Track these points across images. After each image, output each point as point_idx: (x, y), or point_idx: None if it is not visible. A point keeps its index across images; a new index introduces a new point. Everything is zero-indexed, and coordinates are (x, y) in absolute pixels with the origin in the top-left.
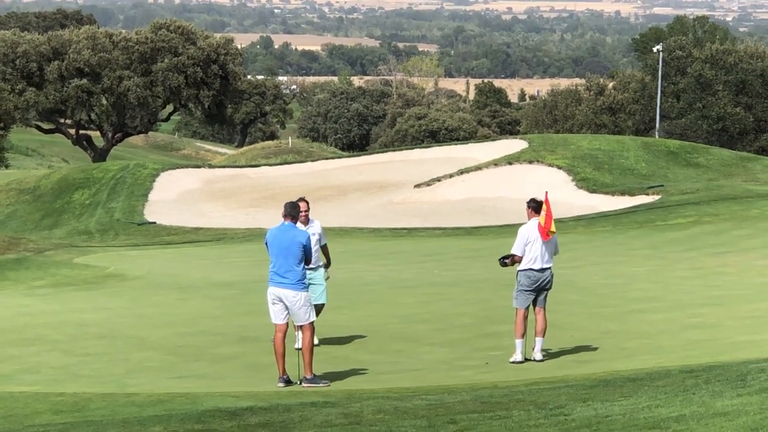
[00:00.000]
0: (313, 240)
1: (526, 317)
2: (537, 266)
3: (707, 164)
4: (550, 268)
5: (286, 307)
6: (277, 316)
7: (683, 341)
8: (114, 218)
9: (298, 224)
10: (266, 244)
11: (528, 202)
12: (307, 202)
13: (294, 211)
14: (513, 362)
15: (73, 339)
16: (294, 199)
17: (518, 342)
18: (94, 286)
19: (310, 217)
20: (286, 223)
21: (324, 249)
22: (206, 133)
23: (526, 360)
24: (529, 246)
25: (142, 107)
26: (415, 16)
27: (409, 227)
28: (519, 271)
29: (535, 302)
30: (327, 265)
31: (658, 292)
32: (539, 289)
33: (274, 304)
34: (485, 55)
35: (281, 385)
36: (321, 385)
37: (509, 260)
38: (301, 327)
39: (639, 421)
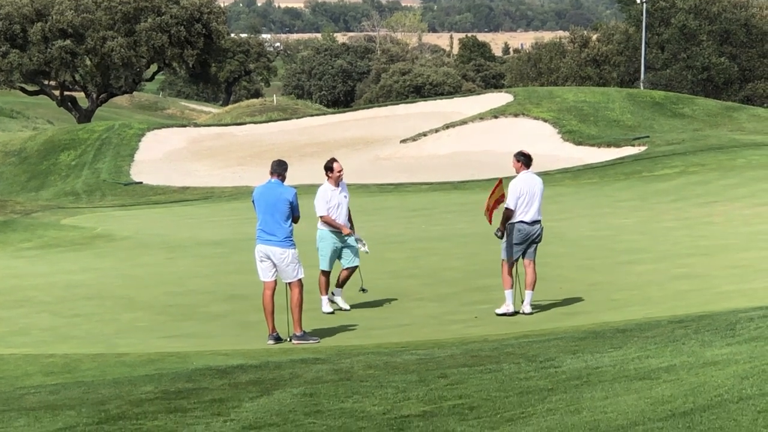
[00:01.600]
0: (345, 202)
1: (512, 268)
2: (528, 219)
3: (693, 115)
4: (540, 221)
5: (274, 265)
6: (265, 274)
7: (672, 292)
8: (100, 179)
9: (330, 183)
10: (253, 201)
11: (516, 155)
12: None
13: (280, 168)
14: (503, 314)
15: (62, 300)
16: (280, 157)
17: (508, 293)
18: (81, 247)
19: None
20: (273, 180)
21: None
22: (191, 93)
23: (516, 313)
24: (522, 199)
25: (126, 67)
26: None
27: (396, 182)
28: (509, 223)
29: (524, 255)
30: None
31: (646, 243)
32: (529, 241)
33: (261, 261)
34: (468, 10)
35: (271, 342)
36: (311, 341)
37: (501, 230)
38: (289, 284)
39: (629, 372)
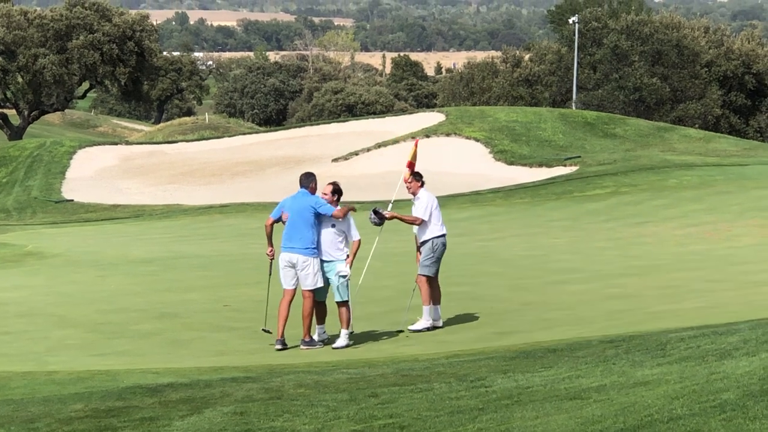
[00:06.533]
0: (332, 231)
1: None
2: (445, 231)
3: (624, 135)
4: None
5: (296, 273)
6: (287, 281)
7: (603, 311)
8: (31, 196)
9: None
10: (281, 208)
11: (414, 175)
12: (335, 185)
13: (307, 180)
14: (425, 329)
15: None
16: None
17: (426, 309)
18: (12, 265)
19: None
20: (301, 190)
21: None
22: (123, 110)
23: (435, 327)
24: (435, 213)
25: (58, 85)
26: None
27: None
28: (434, 238)
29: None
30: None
31: (578, 262)
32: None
33: (284, 268)
34: (401, 29)
35: (278, 347)
36: (316, 347)
37: (379, 215)
38: (303, 292)
39: (560, 392)
